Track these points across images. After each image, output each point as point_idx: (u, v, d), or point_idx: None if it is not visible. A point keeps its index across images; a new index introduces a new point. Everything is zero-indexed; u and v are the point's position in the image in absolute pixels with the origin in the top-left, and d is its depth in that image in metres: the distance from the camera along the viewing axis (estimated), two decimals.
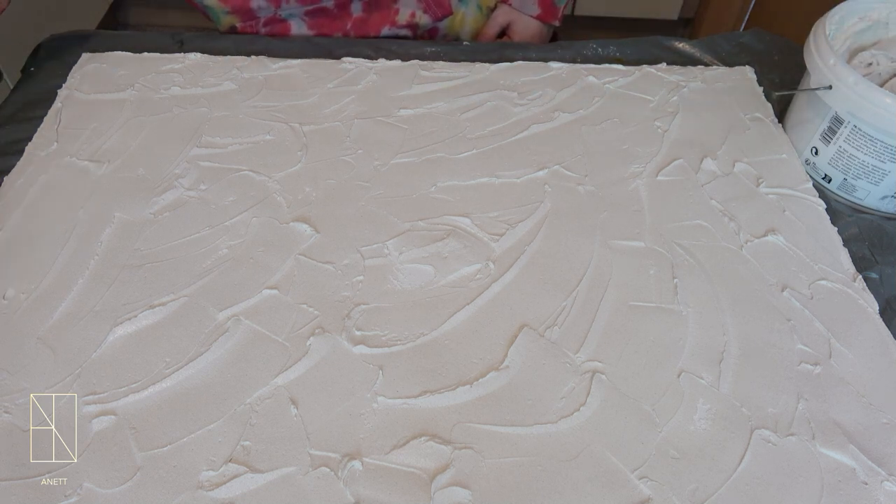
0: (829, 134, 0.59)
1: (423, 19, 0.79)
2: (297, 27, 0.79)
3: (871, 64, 0.61)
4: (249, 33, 0.79)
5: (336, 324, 0.50)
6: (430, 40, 0.82)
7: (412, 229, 0.56)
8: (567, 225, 0.57)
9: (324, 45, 0.75)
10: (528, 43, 0.79)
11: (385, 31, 0.80)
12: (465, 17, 0.84)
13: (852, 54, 0.64)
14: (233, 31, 0.80)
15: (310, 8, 0.76)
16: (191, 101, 0.67)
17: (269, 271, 0.53)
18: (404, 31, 0.81)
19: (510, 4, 0.83)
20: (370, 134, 0.64)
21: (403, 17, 0.79)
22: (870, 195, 0.59)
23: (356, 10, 0.78)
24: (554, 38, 0.91)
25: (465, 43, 0.77)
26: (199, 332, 0.49)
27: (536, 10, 0.82)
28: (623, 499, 0.41)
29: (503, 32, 0.86)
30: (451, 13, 0.81)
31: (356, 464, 0.42)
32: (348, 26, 0.79)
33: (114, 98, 0.67)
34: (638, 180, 0.61)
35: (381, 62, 0.71)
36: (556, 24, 0.85)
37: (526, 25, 0.84)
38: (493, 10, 0.85)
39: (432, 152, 0.62)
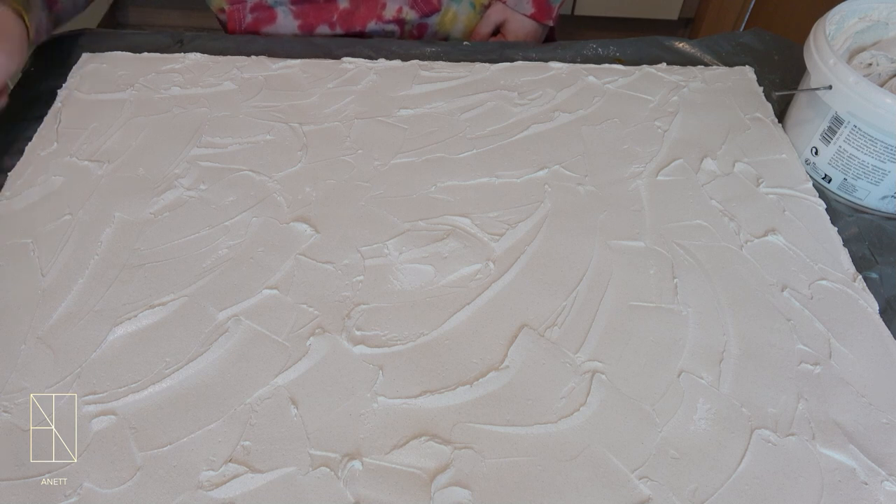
0: (829, 134, 0.59)
1: (410, 15, 0.79)
2: (283, 16, 0.78)
3: (871, 64, 0.61)
4: (238, 30, 0.79)
5: (336, 324, 0.50)
6: (430, 40, 0.82)
7: (412, 229, 0.56)
8: (567, 225, 0.57)
9: (324, 45, 0.75)
10: (527, 42, 0.79)
11: (371, 25, 0.79)
12: (458, 15, 0.84)
13: (852, 54, 0.64)
14: (222, 13, 0.80)
15: None
16: (191, 101, 0.67)
17: (269, 271, 0.53)
18: (391, 27, 0.80)
19: (505, 3, 0.83)
20: (370, 134, 0.64)
21: (390, 11, 0.79)
22: (870, 195, 0.59)
23: (343, 2, 0.77)
24: (551, 37, 0.91)
25: (464, 43, 0.77)
26: (199, 332, 0.49)
27: (531, 9, 0.82)
28: (623, 499, 0.41)
29: (497, 31, 0.86)
30: (438, 9, 0.81)
31: (356, 464, 0.42)
32: (334, 18, 0.78)
33: (114, 98, 0.67)
34: (638, 180, 0.61)
35: (381, 62, 0.71)
36: (551, 23, 0.85)
37: (521, 24, 0.84)
38: (487, 7, 0.85)
39: (432, 152, 0.62)
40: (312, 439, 0.44)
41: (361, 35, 0.81)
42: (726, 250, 0.55)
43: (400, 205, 0.58)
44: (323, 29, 0.79)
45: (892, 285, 0.54)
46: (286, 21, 0.79)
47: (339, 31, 0.79)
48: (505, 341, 0.49)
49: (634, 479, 0.42)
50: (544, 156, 0.62)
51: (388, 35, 0.81)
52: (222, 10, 0.79)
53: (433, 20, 0.82)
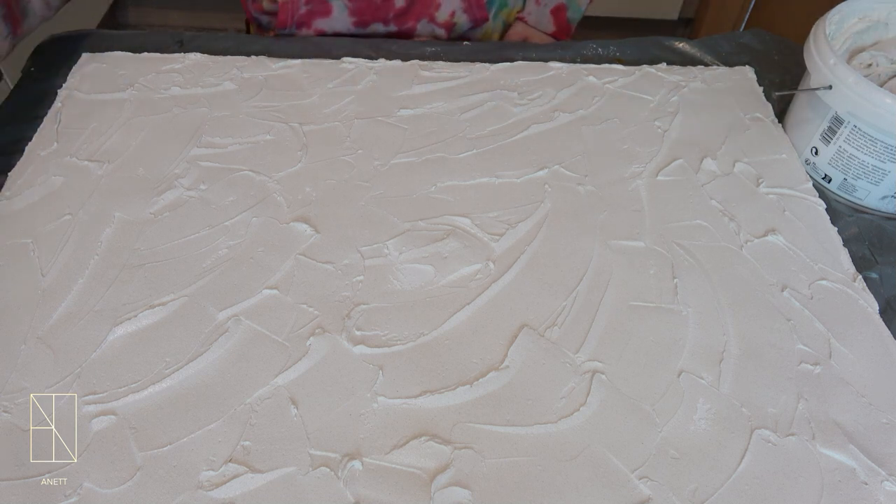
0: (829, 134, 0.59)
1: (462, 19, 0.79)
2: (339, 10, 0.77)
3: (870, 65, 0.61)
4: (291, 13, 0.78)
5: (336, 324, 0.50)
6: (430, 40, 0.82)
7: (412, 229, 0.56)
8: (567, 225, 0.57)
9: (324, 45, 0.75)
10: (527, 42, 0.79)
11: (422, 24, 0.79)
12: (492, 33, 0.85)
13: (852, 55, 0.64)
14: (274, 4, 0.78)
15: None
16: (191, 101, 0.67)
17: (269, 271, 0.53)
18: (440, 31, 0.80)
19: (526, 22, 0.84)
20: (370, 134, 0.64)
21: (444, 14, 0.78)
22: (870, 195, 0.59)
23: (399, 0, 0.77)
24: None
25: (464, 43, 0.77)
26: (199, 332, 0.49)
27: (552, 28, 0.84)
28: (623, 499, 0.41)
29: None
30: (487, 20, 0.81)
31: (356, 464, 0.42)
32: (390, 16, 0.78)
33: (114, 98, 0.67)
34: (638, 180, 0.61)
35: (381, 62, 0.71)
36: (567, 39, 0.86)
37: (541, 41, 0.85)
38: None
39: (432, 152, 0.62)
40: (312, 439, 0.44)
41: (409, 35, 0.80)
42: (726, 250, 0.55)
43: (400, 205, 0.58)
44: (376, 27, 0.79)
45: (892, 285, 0.54)
46: (341, 16, 0.78)
47: (392, 27, 0.79)
48: (505, 341, 0.49)
49: (634, 479, 0.42)
50: (544, 156, 0.62)
51: (435, 38, 0.81)
52: (273, 1, 0.78)
53: (476, 32, 0.83)
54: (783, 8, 1.53)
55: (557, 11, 0.83)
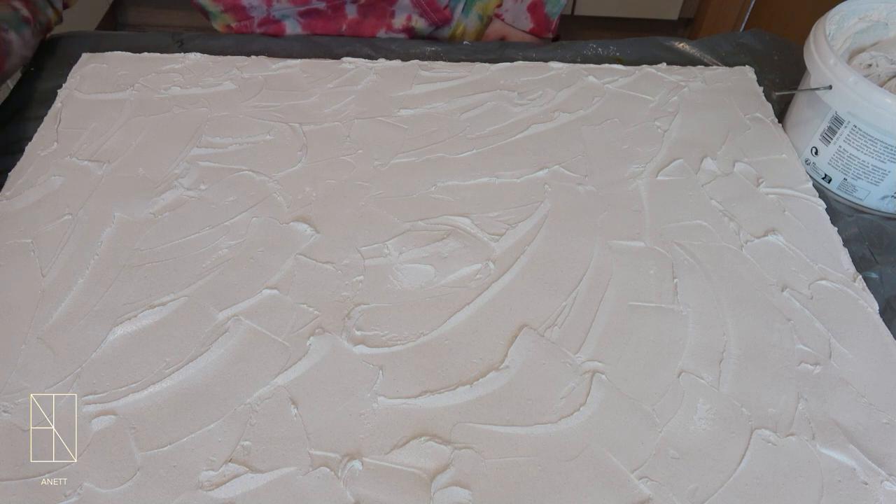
0: (829, 134, 0.59)
1: (420, 23, 0.79)
2: (292, 28, 0.78)
3: (870, 65, 0.61)
4: (245, 33, 0.78)
5: (336, 324, 0.50)
6: (431, 40, 0.82)
7: (412, 229, 0.56)
8: (567, 225, 0.57)
9: (324, 45, 0.75)
10: (527, 43, 0.79)
11: (381, 34, 0.79)
12: (466, 28, 0.84)
13: (852, 55, 0.64)
14: (229, 30, 0.79)
15: (302, 9, 0.76)
16: (191, 101, 0.67)
17: (269, 271, 0.53)
18: (401, 36, 0.80)
19: (503, 20, 0.83)
20: (370, 134, 0.64)
21: (399, 20, 0.78)
22: (870, 195, 0.59)
23: (350, 12, 0.77)
24: (555, 38, 0.91)
25: (465, 42, 0.77)
26: (199, 332, 0.49)
27: (529, 25, 0.82)
28: (623, 499, 0.41)
29: None
30: (450, 20, 0.81)
31: (356, 464, 0.42)
32: (343, 28, 0.78)
33: (114, 98, 0.67)
34: (638, 180, 0.61)
35: (381, 62, 0.71)
36: (550, 36, 0.85)
37: (521, 40, 0.84)
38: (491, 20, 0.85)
39: (432, 152, 0.62)
40: (312, 439, 0.44)
41: None
42: (726, 250, 0.55)
43: (400, 205, 0.58)
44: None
45: (892, 285, 0.54)
46: (295, 33, 0.79)
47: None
48: (505, 341, 0.49)
49: (634, 479, 0.42)
50: (544, 156, 0.62)
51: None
52: (229, 27, 0.79)
53: (444, 32, 0.82)
54: (783, 8, 1.53)
55: (535, 7, 0.82)
